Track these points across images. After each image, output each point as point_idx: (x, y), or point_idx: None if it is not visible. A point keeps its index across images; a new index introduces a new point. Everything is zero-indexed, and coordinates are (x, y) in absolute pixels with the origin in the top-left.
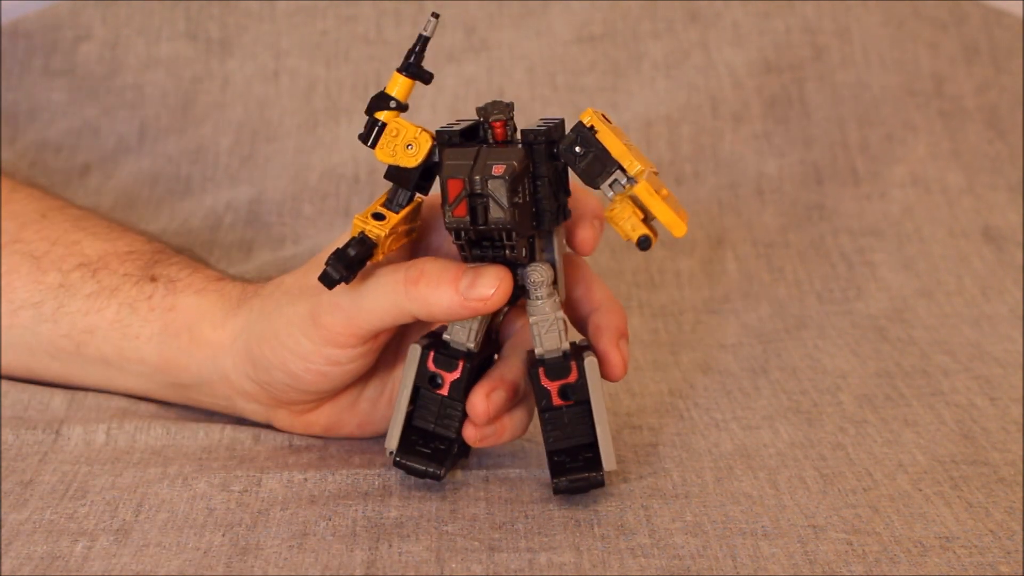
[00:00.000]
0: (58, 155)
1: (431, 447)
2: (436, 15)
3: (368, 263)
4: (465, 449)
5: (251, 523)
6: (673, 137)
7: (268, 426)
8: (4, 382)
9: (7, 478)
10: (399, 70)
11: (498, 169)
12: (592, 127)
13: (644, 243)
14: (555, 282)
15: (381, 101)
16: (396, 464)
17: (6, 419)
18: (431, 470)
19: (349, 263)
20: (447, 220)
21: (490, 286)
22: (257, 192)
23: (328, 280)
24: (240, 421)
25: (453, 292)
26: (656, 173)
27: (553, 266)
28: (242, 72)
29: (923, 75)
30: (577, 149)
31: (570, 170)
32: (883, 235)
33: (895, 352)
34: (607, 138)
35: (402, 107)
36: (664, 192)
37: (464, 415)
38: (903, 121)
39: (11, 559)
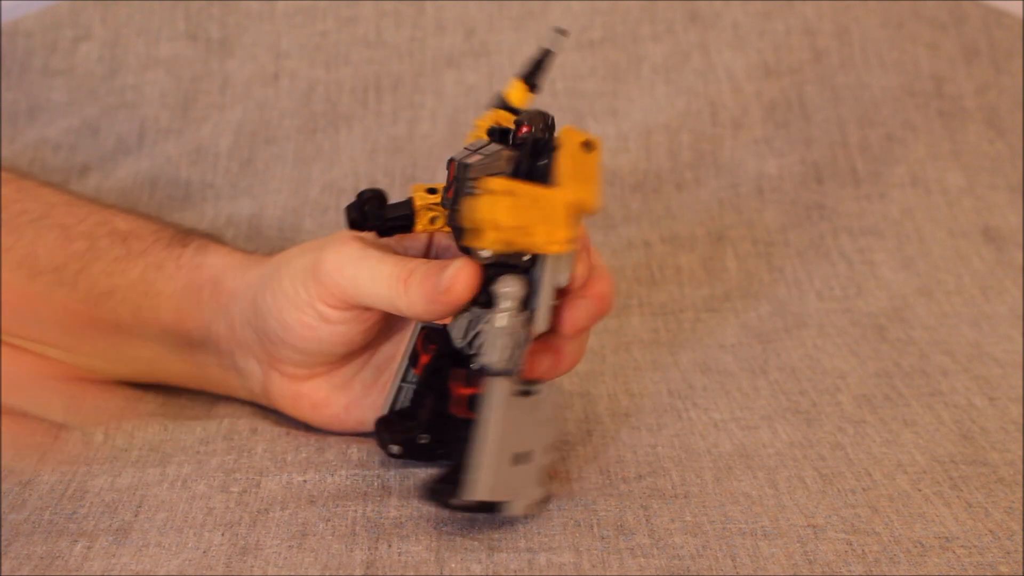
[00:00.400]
0: (57, 155)
1: (405, 424)
2: (561, 30)
3: (400, 231)
4: (440, 451)
5: (251, 523)
6: (673, 145)
7: (262, 413)
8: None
9: (7, 478)
10: (518, 77)
11: (473, 158)
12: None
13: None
14: (527, 302)
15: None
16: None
17: None
18: (384, 440)
19: (377, 214)
20: (441, 201)
21: (449, 278)
22: (258, 207)
23: (348, 214)
24: (237, 415)
25: (429, 289)
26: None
27: (532, 285)
28: (242, 73)
29: (923, 75)
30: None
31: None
32: (883, 235)
33: (894, 352)
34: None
35: (513, 111)
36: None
37: (430, 400)
38: (903, 121)
39: (11, 559)
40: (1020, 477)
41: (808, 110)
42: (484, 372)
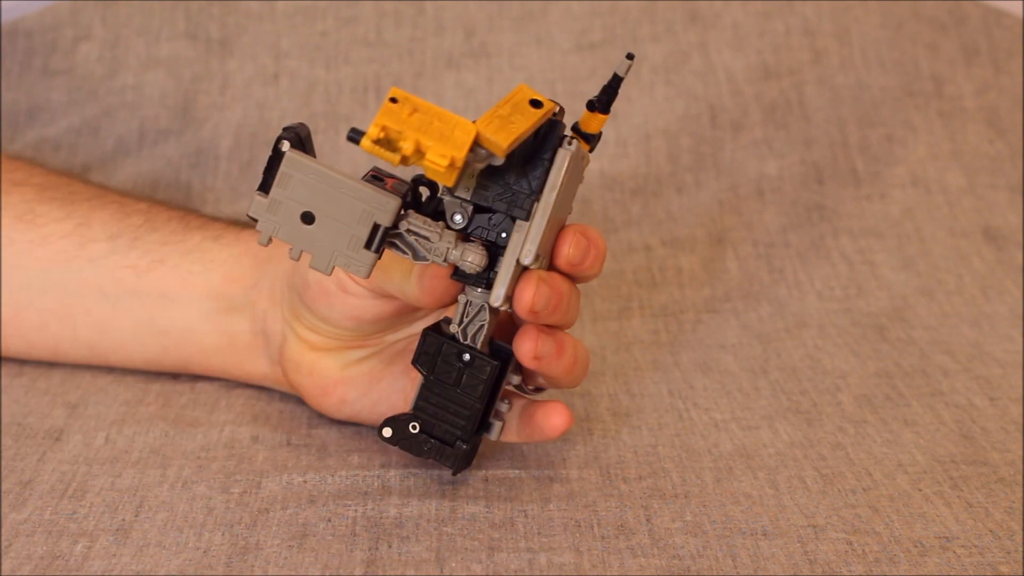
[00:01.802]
0: (57, 154)
1: (402, 414)
2: (631, 56)
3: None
4: (427, 447)
5: (251, 523)
6: (673, 149)
7: (263, 419)
8: (4, 387)
9: (7, 478)
10: (590, 108)
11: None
12: None
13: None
14: (487, 273)
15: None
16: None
17: (6, 425)
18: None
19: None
20: None
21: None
22: None
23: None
24: (238, 422)
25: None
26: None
27: (489, 255)
28: (242, 73)
29: (923, 76)
30: None
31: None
32: (883, 235)
33: (895, 352)
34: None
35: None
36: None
37: (422, 384)
38: (903, 122)
39: (11, 559)
40: (1020, 477)
41: (808, 111)
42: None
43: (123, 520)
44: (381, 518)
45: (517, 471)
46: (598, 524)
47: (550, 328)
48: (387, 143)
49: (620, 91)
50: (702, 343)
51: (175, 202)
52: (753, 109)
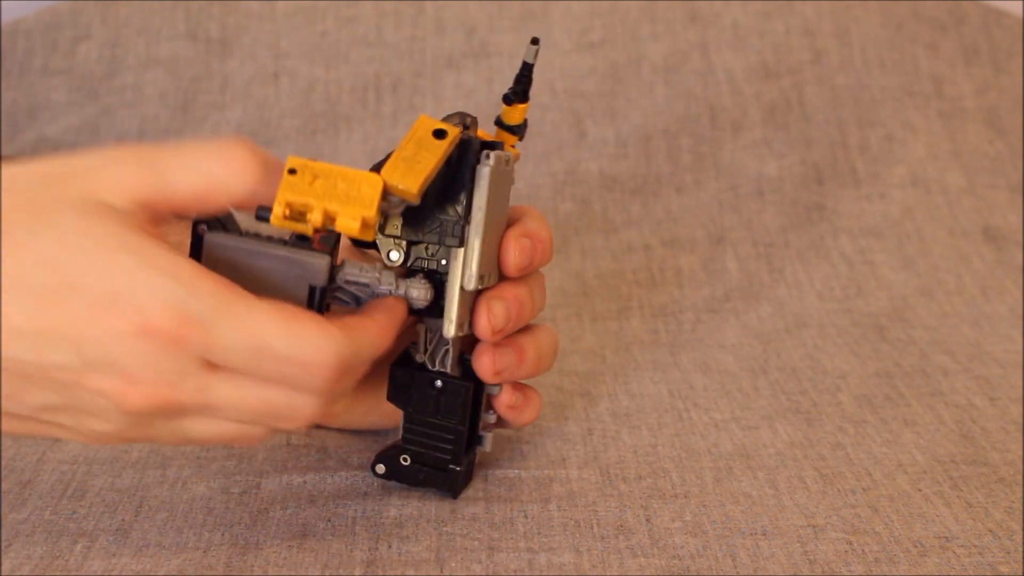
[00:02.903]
0: (56, 154)
1: (392, 447)
2: (536, 41)
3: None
4: (423, 475)
5: (251, 522)
6: (672, 149)
7: None
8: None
9: (7, 478)
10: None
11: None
12: None
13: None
14: (438, 302)
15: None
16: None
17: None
18: (372, 463)
19: None
20: None
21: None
22: None
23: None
24: None
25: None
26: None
27: (433, 284)
28: (242, 73)
29: (922, 76)
30: None
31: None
32: (883, 235)
33: (895, 352)
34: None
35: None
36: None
37: (403, 416)
38: (903, 122)
39: (11, 559)
40: (1020, 477)
41: (808, 111)
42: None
43: (123, 520)
44: (381, 518)
45: (517, 471)
46: (598, 524)
47: (506, 339)
48: (297, 216)
49: (618, 91)
50: (702, 343)
51: None
52: (753, 109)
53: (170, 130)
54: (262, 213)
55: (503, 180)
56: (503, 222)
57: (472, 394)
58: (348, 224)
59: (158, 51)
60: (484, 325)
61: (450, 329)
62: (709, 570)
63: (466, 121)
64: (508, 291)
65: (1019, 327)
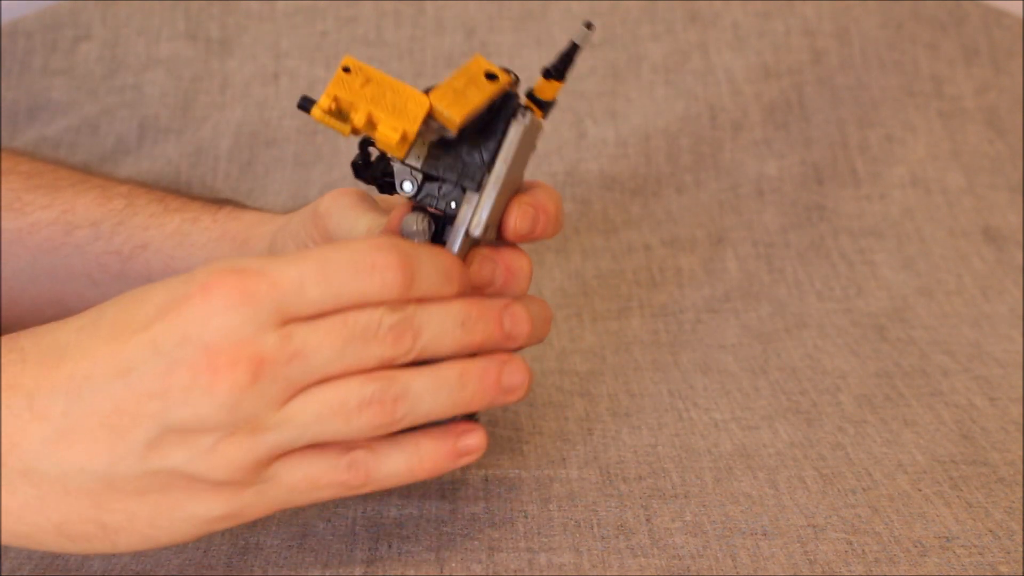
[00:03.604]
0: (57, 153)
1: None
2: (589, 25)
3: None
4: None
5: (251, 522)
6: (672, 149)
7: None
8: None
9: None
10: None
11: None
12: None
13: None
14: (429, 237)
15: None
16: None
17: None
18: None
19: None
20: None
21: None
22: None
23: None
24: None
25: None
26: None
27: (430, 224)
28: (242, 73)
29: (923, 76)
30: None
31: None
32: (883, 235)
33: (895, 352)
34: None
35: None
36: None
37: None
38: (903, 122)
39: (11, 559)
40: (1020, 477)
41: (808, 111)
42: None
43: None
44: (381, 518)
45: (517, 471)
46: (598, 524)
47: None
48: (338, 114)
49: (618, 91)
50: (702, 343)
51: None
52: (753, 109)
53: (170, 130)
54: (304, 103)
55: (528, 143)
56: (516, 186)
57: None
58: (388, 133)
59: (158, 51)
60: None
61: None
62: (709, 570)
63: (513, 77)
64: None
65: (1019, 327)
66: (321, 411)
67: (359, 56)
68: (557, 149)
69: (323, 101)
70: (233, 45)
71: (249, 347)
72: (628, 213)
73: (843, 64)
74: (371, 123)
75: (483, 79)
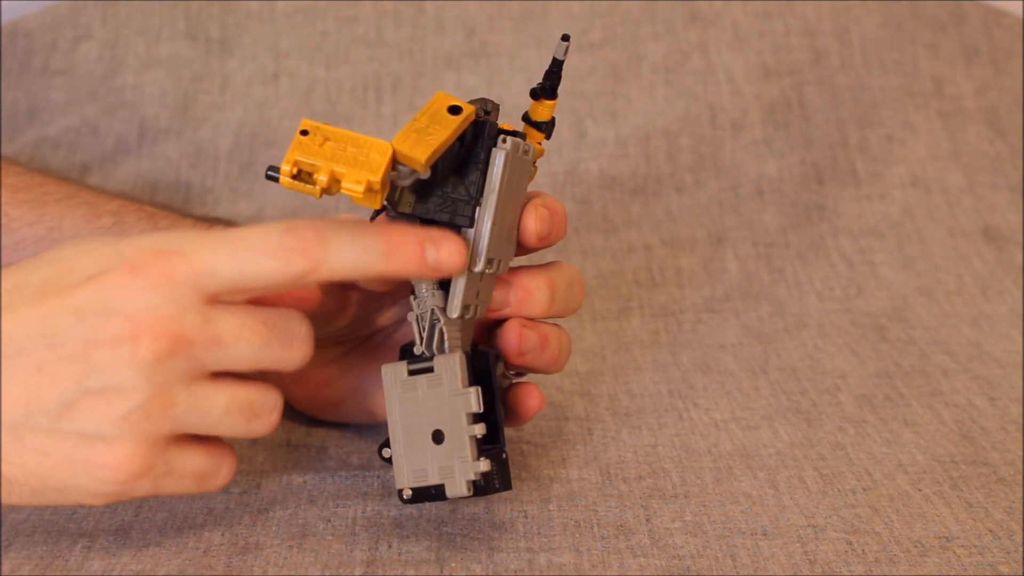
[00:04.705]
0: (56, 154)
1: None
2: (566, 37)
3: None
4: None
5: (251, 522)
6: (672, 149)
7: None
8: None
9: None
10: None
11: None
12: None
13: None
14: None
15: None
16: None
17: None
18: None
19: None
20: None
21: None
22: (257, 209)
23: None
24: None
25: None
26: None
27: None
28: (242, 73)
29: (923, 76)
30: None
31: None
32: (883, 235)
33: (895, 352)
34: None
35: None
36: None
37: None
38: (903, 122)
39: (11, 559)
40: (1020, 477)
41: (808, 111)
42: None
43: (123, 520)
44: (381, 518)
45: (517, 471)
46: (598, 524)
47: (533, 322)
48: (304, 177)
49: (618, 91)
50: (702, 343)
51: (151, 200)
52: (753, 109)
53: (170, 130)
54: (272, 172)
55: (519, 167)
56: (518, 210)
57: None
58: (352, 187)
59: (158, 51)
60: (513, 344)
61: (455, 308)
62: (709, 570)
63: (487, 106)
64: (538, 326)
65: (1019, 327)
66: (230, 406)
67: (359, 56)
68: (557, 149)
69: (284, 168)
70: (233, 45)
71: (171, 323)
72: (628, 213)
73: (843, 64)
74: (335, 180)
75: (445, 114)
